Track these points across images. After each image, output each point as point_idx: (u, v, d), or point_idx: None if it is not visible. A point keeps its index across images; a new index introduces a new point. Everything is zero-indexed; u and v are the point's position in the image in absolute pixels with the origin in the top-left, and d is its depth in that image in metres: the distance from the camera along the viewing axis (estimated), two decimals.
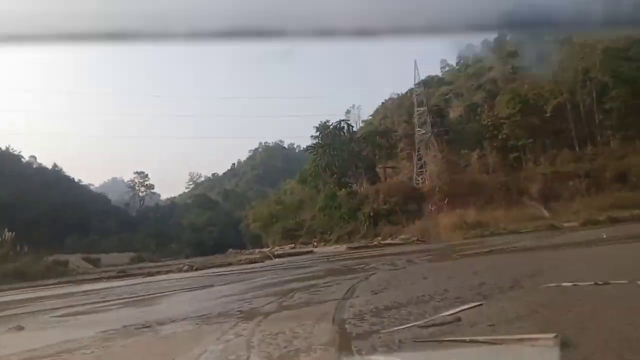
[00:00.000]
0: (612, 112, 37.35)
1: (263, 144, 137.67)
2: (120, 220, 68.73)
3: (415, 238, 25.64)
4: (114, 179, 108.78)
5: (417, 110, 43.72)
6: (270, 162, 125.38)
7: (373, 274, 10.21)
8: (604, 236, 14.40)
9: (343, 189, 42.15)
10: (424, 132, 42.49)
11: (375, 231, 35.07)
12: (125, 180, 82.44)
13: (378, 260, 14.40)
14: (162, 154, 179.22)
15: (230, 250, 46.13)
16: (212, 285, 11.98)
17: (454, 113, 53.62)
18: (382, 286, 7.56)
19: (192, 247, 59.80)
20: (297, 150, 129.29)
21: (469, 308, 4.61)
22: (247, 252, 41.24)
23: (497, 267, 9.79)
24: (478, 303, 4.86)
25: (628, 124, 36.28)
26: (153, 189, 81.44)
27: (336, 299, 6.42)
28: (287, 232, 42.75)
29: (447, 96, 62.74)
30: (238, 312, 6.07)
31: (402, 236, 27.46)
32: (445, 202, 31.73)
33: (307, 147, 54.07)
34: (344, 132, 48.04)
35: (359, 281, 8.67)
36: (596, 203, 27.99)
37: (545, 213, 28.05)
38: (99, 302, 10.21)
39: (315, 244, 36.61)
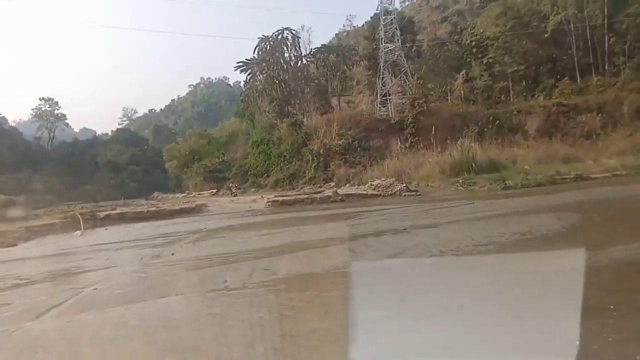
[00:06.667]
0: (627, 33, 29.31)
1: (205, 80, 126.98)
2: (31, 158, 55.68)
3: (403, 185, 15.74)
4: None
5: (384, 20, 33.10)
6: (213, 99, 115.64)
7: None
8: None
9: (285, 119, 31.90)
10: (392, 47, 32.27)
11: (325, 174, 25.76)
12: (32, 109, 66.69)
13: None
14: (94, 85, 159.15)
15: (157, 193, 40.40)
16: None
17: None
18: None
19: (110, 189, 50.12)
20: (244, 89, 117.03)
21: None
22: (171, 196, 35.01)
23: None
24: None
25: None
26: (65, 119, 66.99)
27: None
28: (210, 173, 32.61)
29: None
30: None
31: (376, 182, 16.81)
32: (431, 135, 22.71)
33: (238, 63, 40.00)
34: (287, 45, 35.70)
35: None
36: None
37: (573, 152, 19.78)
38: None
39: (233, 190, 27.09)
